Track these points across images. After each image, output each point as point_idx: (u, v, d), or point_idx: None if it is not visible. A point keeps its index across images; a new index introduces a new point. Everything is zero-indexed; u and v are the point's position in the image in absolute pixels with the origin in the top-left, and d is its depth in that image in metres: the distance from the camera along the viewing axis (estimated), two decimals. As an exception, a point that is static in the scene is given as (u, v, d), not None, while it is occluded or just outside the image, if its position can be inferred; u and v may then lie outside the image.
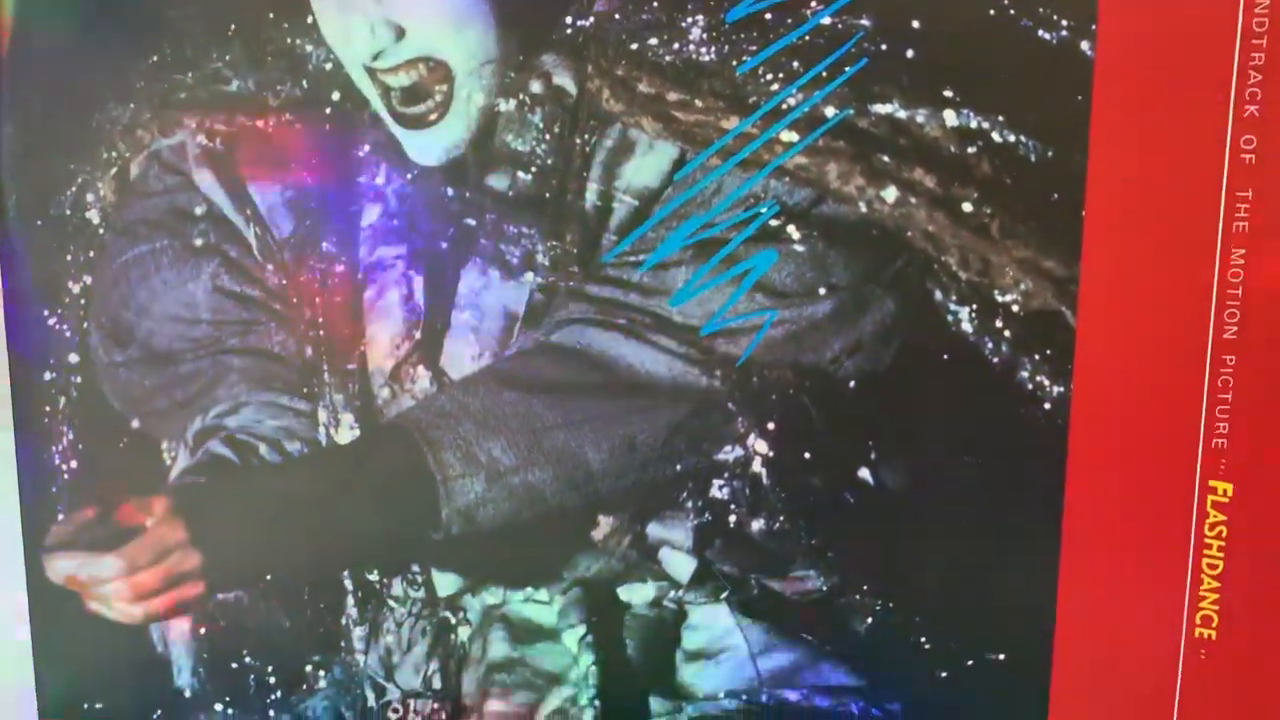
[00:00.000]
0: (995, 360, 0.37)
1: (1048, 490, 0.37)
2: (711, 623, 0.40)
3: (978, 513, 0.38)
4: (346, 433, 0.40)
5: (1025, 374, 0.37)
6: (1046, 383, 0.37)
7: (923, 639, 0.39)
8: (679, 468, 0.39)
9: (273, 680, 0.41)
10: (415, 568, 0.40)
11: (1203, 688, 0.38)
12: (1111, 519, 0.37)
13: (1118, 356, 0.36)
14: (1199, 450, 0.37)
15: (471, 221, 0.38)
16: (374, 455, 0.40)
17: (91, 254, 0.40)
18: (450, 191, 0.38)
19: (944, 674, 0.39)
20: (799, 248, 0.37)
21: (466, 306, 0.38)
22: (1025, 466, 0.37)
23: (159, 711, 0.42)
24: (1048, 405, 0.37)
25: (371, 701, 0.41)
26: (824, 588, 0.39)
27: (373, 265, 0.39)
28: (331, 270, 0.39)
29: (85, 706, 0.42)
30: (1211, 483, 0.37)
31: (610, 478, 0.39)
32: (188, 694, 0.42)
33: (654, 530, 0.39)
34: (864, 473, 0.38)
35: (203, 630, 0.41)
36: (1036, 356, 0.37)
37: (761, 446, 0.38)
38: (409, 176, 0.38)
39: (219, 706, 0.42)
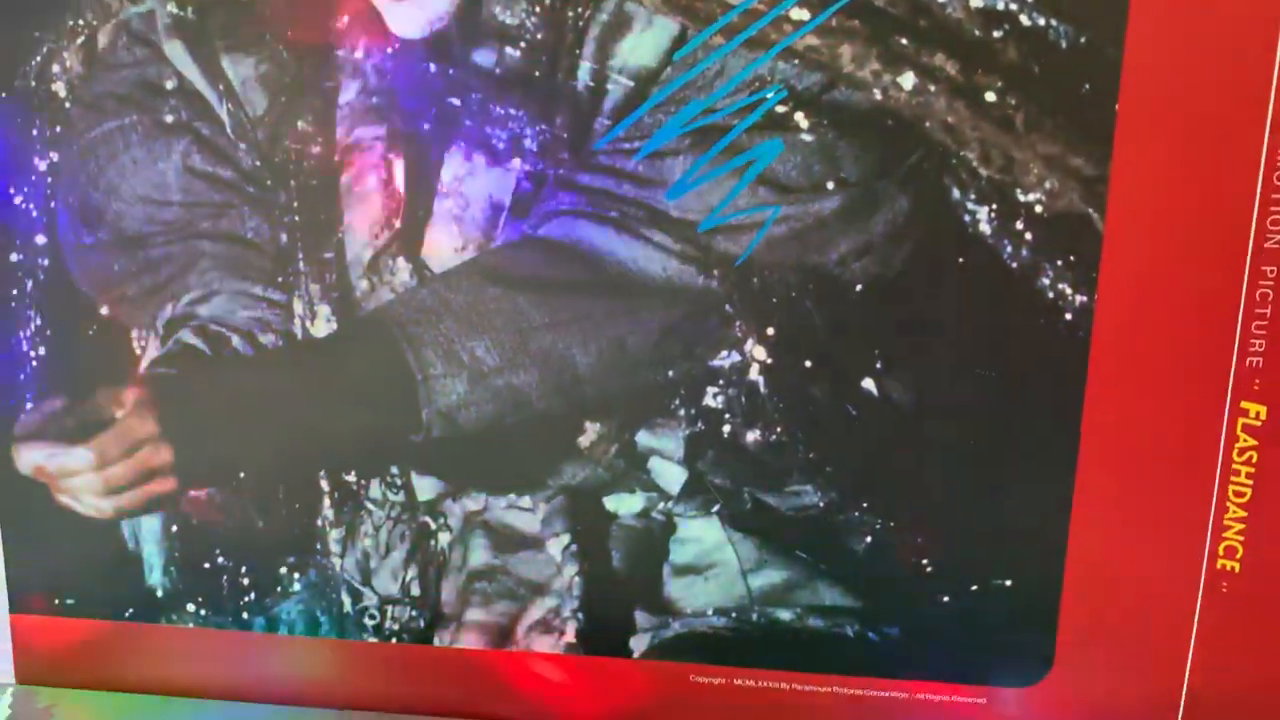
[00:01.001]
0: (1014, 266, 0.34)
1: (1065, 408, 0.34)
2: (701, 537, 0.37)
3: (989, 429, 0.35)
4: (323, 326, 0.37)
5: (1046, 281, 0.33)
6: (1069, 291, 0.33)
7: (924, 561, 0.36)
8: (671, 373, 0.36)
9: (246, 582, 0.39)
10: (394, 470, 0.38)
11: (1222, 623, 0.36)
12: (1132, 440, 0.34)
13: (1147, 264, 0.33)
14: (1231, 369, 0.33)
15: (455, 101, 0.34)
16: (352, 351, 0.37)
17: (58, 129, 0.37)
18: (433, 68, 0.34)
19: (946, 599, 0.36)
20: (807, 138, 0.33)
21: (449, 194, 0.35)
22: (1042, 381, 0.34)
23: (131, 609, 0.40)
24: (1069, 316, 0.34)
25: (348, 607, 0.39)
26: (821, 504, 0.36)
27: (350, 147, 0.35)
28: (307, 151, 0.36)
29: (56, 602, 0.40)
30: (1243, 404, 0.34)
31: (598, 382, 0.36)
32: (160, 593, 0.39)
33: (643, 439, 0.36)
34: (868, 384, 0.35)
35: (174, 528, 0.39)
36: (1059, 262, 0.33)
37: (760, 353, 0.35)
38: (389, 50, 0.34)
39: (191, 607, 0.39)
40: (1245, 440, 0.34)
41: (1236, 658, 0.36)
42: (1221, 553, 0.35)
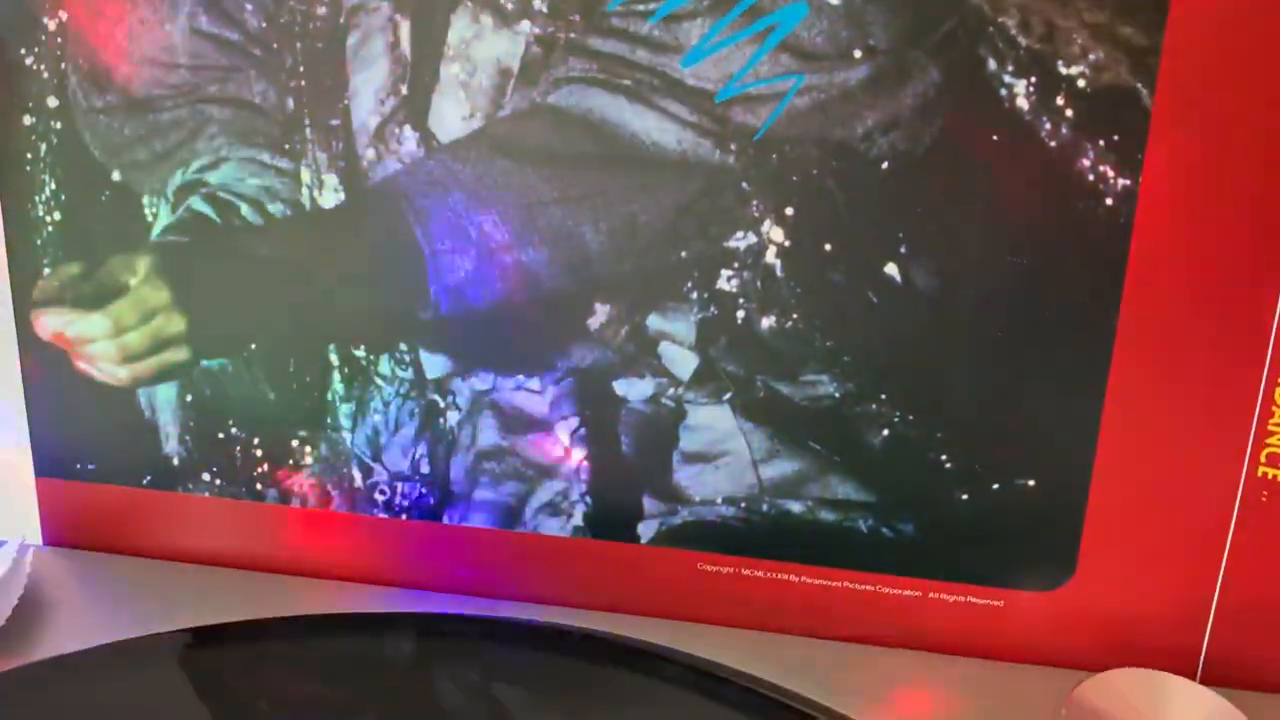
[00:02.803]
0: (1053, 145, 0.30)
1: (1101, 299, 0.31)
2: (712, 424, 0.35)
3: (1018, 320, 0.32)
4: (331, 196, 0.35)
5: (1087, 162, 0.30)
6: (1111, 174, 0.30)
7: (943, 457, 0.33)
8: (684, 254, 0.33)
9: (259, 454, 0.38)
10: (403, 346, 0.36)
11: (1260, 534, 0.32)
12: (1172, 335, 0.31)
13: (1198, 146, 0.29)
14: (1287, 262, 0.30)
15: (461, -41, 0.32)
16: (359, 222, 0.35)
17: (67, -13, 0.35)
18: (438, -78, 0.31)
19: (965, 496, 0.34)
20: (833, 1, 0.30)
21: (456, 59, 0.33)
22: (1078, 271, 0.31)
23: (149, 477, 0.39)
24: (1110, 200, 0.30)
25: (359, 482, 0.37)
26: (837, 395, 0.33)
27: (356, 8, 0.33)
28: (313, 12, 0.33)
29: (78, 467, 0.39)
30: (1297, 301, 0.30)
31: (609, 261, 0.33)
32: (176, 461, 0.38)
33: (654, 322, 0.34)
34: (891, 269, 0.32)
35: (189, 398, 0.38)
36: (1102, 142, 0.30)
37: (777, 234, 0.32)
38: (393, -97, 0.31)
39: (206, 476, 0.38)
40: (1297, 340, 0.30)
41: (1273, 569, 0.33)
42: (1264, 460, 0.32)
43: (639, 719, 0.34)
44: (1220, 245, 0.30)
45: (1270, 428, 0.31)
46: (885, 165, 0.31)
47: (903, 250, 0.32)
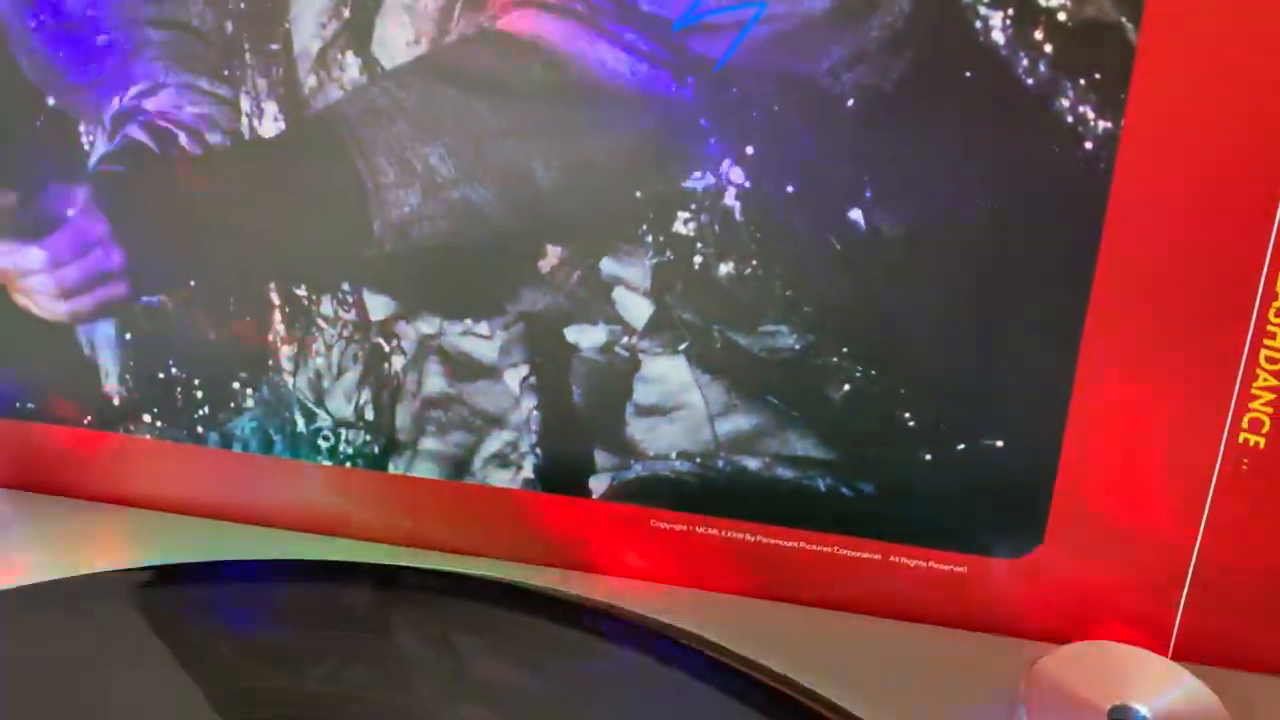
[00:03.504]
0: (1030, 83, 0.28)
1: (1078, 249, 0.29)
2: (667, 376, 0.33)
3: (989, 271, 0.30)
4: (271, 125, 0.32)
5: (1065, 103, 0.28)
6: (1091, 115, 0.28)
7: (907, 415, 0.31)
8: (639, 194, 0.31)
9: (200, 395, 0.36)
10: (346, 286, 0.34)
11: (1239, 504, 0.30)
12: (1152, 291, 0.29)
13: (1185, 87, 0.27)
14: (1277, 215, 0.27)
15: None
16: (301, 154, 0.33)
17: (-3, -101, 0.32)
18: None
19: (928, 457, 0.32)
20: (797, -77, 0.28)
21: (399, -21, 0.30)
22: (1053, 218, 0.29)
23: (89, 417, 0.37)
24: (1089, 144, 0.28)
25: (301, 426, 0.36)
26: (797, 347, 0.31)
27: (294, -77, 0.31)
28: (250, -72, 0.31)
29: (17, 405, 0.37)
30: (1287, 257, 0.28)
31: (560, 201, 0.31)
32: (116, 401, 0.37)
33: (608, 266, 0.32)
34: (855, 214, 0.30)
35: (128, 335, 0.36)
36: (1082, 81, 0.27)
37: (737, 174, 0.30)
38: None
39: (147, 417, 0.36)
40: (1285, 299, 0.28)
41: (1251, 541, 0.31)
42: (1245, 425, 0.29)
43: (599, 683, 0.32)
44: (1205, 195, 0.28)
45: (1254, 391, 0.29)
46: (851, 102, 0.29)
47: (868, 194, 0.30)
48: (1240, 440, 0.30)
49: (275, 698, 0.32)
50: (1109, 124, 0.28)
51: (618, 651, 0.33)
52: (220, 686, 0.32)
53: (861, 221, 0.30)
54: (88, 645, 0.33)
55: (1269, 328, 0.28)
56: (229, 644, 0.33)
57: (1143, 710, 0.29)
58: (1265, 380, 0.29)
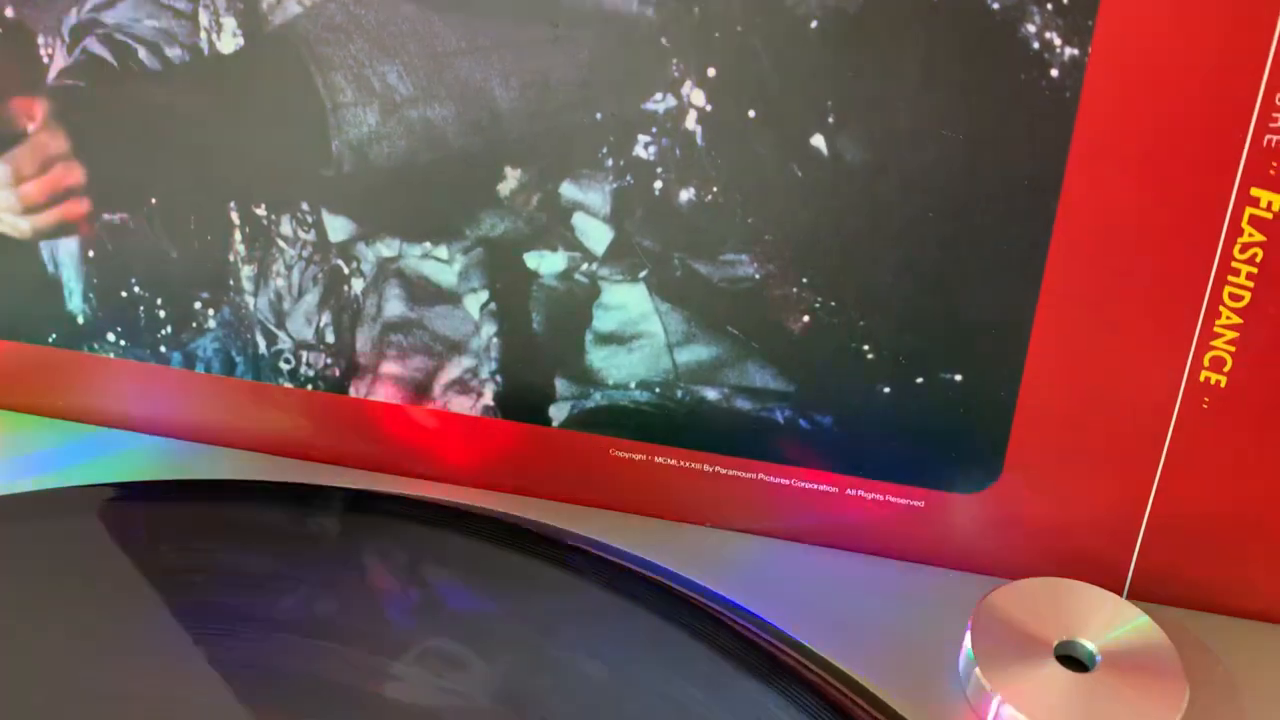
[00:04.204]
0: (995, 7, 0.27)
1: (1041, 180, 0.28)
2: (626, 304, 0.32)
3: (951, 201, 0.29)
4: (230, 41, 0.32)
5: (1032, 28, 0.27)
6: (1057, 42, 0.27)
7: (865, 347, 0.31)
8: (599, 116, 0.30)
9: (162, 314, 0.35)
10: (305, 206, 0.33)
11: (1198, 442, 0.30)
12: (1116, 225, 0.28)
13: (1155, 13, 0.26)
14: (1244, 148, 0.26)
15: None
16: (259, 70, 0.32)
17: None
18: None
19: (887, 390, 0.31)
20: None
21: (355, -111, 0.29)
22: (1017, 148, 0.28)
23: (54, 335, 0.37)
24: (1055, 72, 0.27)
25: (263, 348, 0.35)
26: (757, 276, 0.31)
27: None
28: None
29: (-17, 322, 0.37)
30: (1254, 191, 0.27)
31: (520, 121, 0.31)
32: (80, 320, 0.36)
33: (568, 190, 0.31)
34: (817, 140, 0.29)
35: (91, 253, 0.35)
36: (1049, 6, 0.26)
37: (698, 97, 0.29)
38: None
39: (111, 336, 0.36)
40: (1251, 235, 0.27)
41: (1210, 481, 0.30)
42: (1207, 363, 0.29)
43: (564, 614, 0.32)
44: (1172, 127, 0.27)
45: (1216, 329, 0.28)
46: (814, 24, 0.28)
47: (830, 120, 0.29)
48: (1201, 379, 0.29)
49: (237, 614, 0.31)
50: (1076, 51, 0.27)
51: (583, 583, 0.33)
52: (182, 601, 0.31)
53: (824, 148, 0.29)
54: (51, 558, 0.33)
55: (1233, 264, 0.28)
56: (192, 561, 0.33)
57: (1090, 645, 0.29)
58: (1228, 318, 0.28)
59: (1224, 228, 0.27)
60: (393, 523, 0.34)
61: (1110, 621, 0.29)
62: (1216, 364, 0.29)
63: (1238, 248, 0.27)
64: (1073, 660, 0.29)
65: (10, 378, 0.38)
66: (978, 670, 0.28)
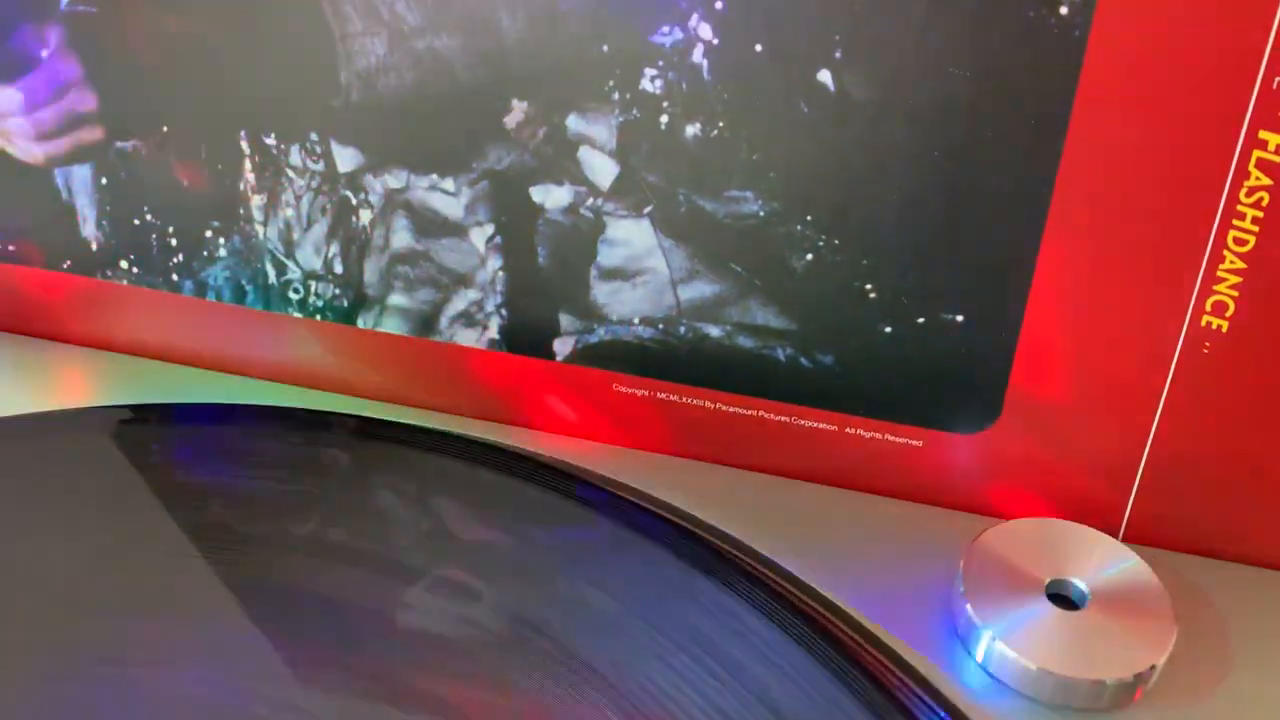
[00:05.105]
0: (1007, -60, 0.26)
1: (1048, 119, 0.28)
2: (631, 240, 0.32)
3: (957, 139, 0.28)
4: (239, -32, 0.31)
5: (1043, -37, 0.26)
6: (1068, -23, 0.26)
7: (868, 286, 0.31)
8: (606, 49, 0.30)
9: (174, 243, 0.36)
10: (314, 136, 0.33)
11: (1198, 388, 0.30)
12: (1122, 164, 0.28)
13: (1169, -53, 0.25)
14: (1254, 90, 0.26)
15: None
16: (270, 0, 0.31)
17: None
18: None
19: (888, 329, 0.31)
20: None
21: None
22: (1024, 87, 0.27)
23: (69, 261, 0.37)
24: (1064, 9, 0.26)
25: (272, 278, 0.35)
26: (761, 213, 0.30)
27: None
28: None
29: (-1, 247, 0.37)
30: (1262, 134, 0.26)
31: (527, 54, 0.30)
32: (94, 246, 0.36)
33: (574, 124, 0.31)
34: (824, 76, 0.29)
35: (104, 180, 0.35)
36: (1061, -60, 0.26)
37: (705, 30, 0.29)
38: None
39: (124, 264, 0.36)
40: (1258, 178, 0.27)
41: (1208, 426, 0.30)
42: (1209, 308, 0.29)
43: (572, 547, 0.32)
44: (1182, 68, 0.26)
45: (1219, 274, 0.28)
46: (823, -43, 0.27)
47: (838, 55, 0.28)
48: (1203, 323, 0.29)
49: (248, 535, 0.32)
50: (1086, -13, 0.26)
51: (592, 515, 0.33)
52: (193, 520, 0.32)
53: (830, 84, 0.29)
54: (64, 477, 0.33)
55: (1239, 208, 0.27)
56: (204, 482, 0.33)
57: (1081, 584, 0.29)
58: (1232, 263, 0.28)
59: (1230, 171, 0.27)
60: (402, 450, 0.35)
61: (1102, 562, 0.29)
62: (1219, 309, 0.29)
63: (1244, 191, 0.27)
64: (1063, 599, 0.29)
65: (24, 303, 0.38)
66: (968, 606, 0.28)
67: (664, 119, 0.30)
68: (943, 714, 0.27)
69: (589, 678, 0.28)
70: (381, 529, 0.32)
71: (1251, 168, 0.27)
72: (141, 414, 0.35)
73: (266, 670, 0.28)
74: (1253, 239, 0.27)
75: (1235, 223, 0.27)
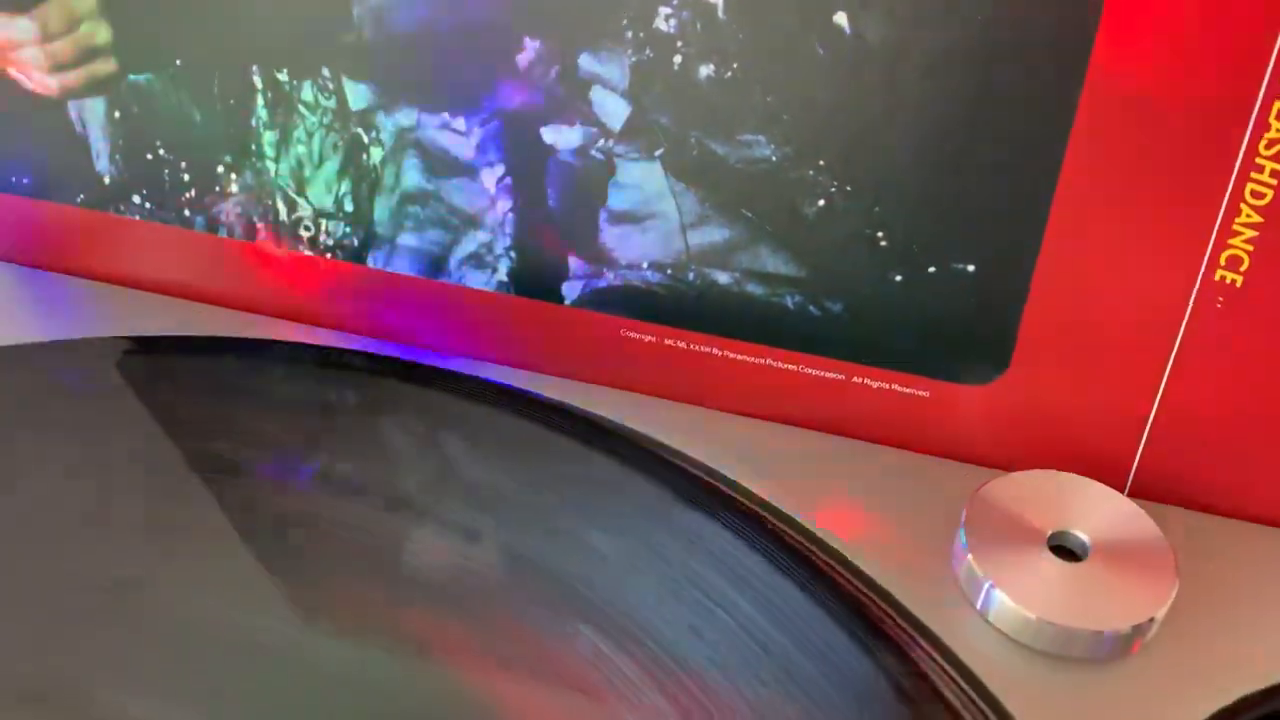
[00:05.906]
0: (1030, -120, 0.25)
1: (1065, 66, 0.27)
2: (641, 182, 0.31)
3: (973, 86, 0.28)
4: (252, -101, 0.31)
5: (1066, -96, 0.25)
6: (1092, -81, 0.25)
7: (879, 234, 0.30)
8: (620, -14, 0.29)
9: (186, 178, 0.35)
10: (326, 72, 0.33)
11: (1209, 343, 0.29)
12: (1139, 117, 0.27)
13: (1196, -112, 0.25)
14: (1277, 39, 0.25)
15: None
16: (282, -69, 0.31)
17: None
18: None
19: (898, 278, 0.31)
20: None
21: None
22: (1043, 31, 0.27)
23: (82, 195, 0.37)
24: (1087, -49, 0.26)
25: (284, 215, 0.35)
26: (774, 158, 0.30)
27: None
28: None
29: (14, 180, 0.37)
30: (1284, 85, 0.26)
31: (541, -10, 0.30)
32: (107, 180, 0.36)
33: (586, 63, 0.30)
34: (840, 18, 0.28)
35: (117, 114, 0.35)
36: (1086, -120, 0.25)
37: (721, -30, 0.28)
38: None
39: (137, 199, 0.36)
40: (1278, 131, 0.26)
41: (1218, 382, 0.30)
42: (1223, 262, 0.28)
43: (580, 488, 0.32)
44: (1205, 14, 0.26)
45: (1235, 228, 0.28)
46: (842, -104, 0.27)
47: (854, -3, 0.28)
48: (1216, 278, 0.28)
49: (251, 463, 0.32)
50: (1110, -70, 0.25)
51: (599, 458, 0.33)
52: (197, 448, 0.32)
53: (847, 26, 0.28)
54: (72, 403, 0.33)
55: (1258, 160, 0.27)
56: (209, 412, 0.33)
57: (1083, 536, 0.28)
58: (1248, 216, 0.27)
59: (1251, 121, 0.26)
60: (409, 388, 0.35)
61: (1105, 515, 0.29)
62: (1233, 263, 0.28)
63: (1264, 143, 0.27)
64: (1065, 550, 0.29)
65: (38, 236, 0.38)
66: (970, 556, 0.28)
67: (677, 59, 0.30)
68: (941, 660, 0.27)
69: (584, 611, 0.28)
70: (383, 463, 0.32)
71: (1272, 119, 0.26)
72: (143, 345, 0.36)
73: (266, 604, 0.28)
74: (1271, 192, 0.27)
75: (1254, 175, 0.27)
